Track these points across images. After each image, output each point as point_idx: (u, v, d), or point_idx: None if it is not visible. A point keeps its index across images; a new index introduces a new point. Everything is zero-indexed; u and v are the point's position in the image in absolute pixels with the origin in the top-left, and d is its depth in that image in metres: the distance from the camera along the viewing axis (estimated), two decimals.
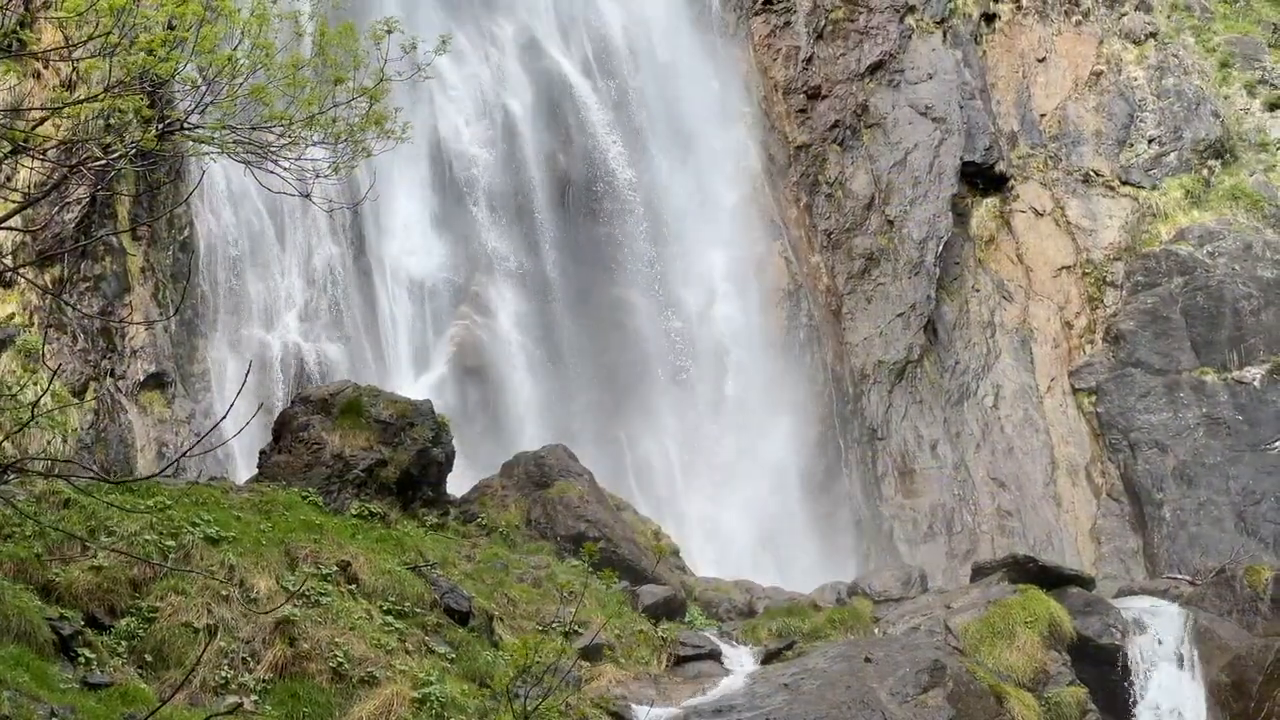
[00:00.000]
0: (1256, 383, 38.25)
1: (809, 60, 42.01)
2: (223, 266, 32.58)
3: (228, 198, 32.93)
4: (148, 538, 19.41)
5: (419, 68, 17.86)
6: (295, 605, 19.13)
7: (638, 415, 34.75)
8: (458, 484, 27.39)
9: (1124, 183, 42.84)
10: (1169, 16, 46.47)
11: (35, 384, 27.61)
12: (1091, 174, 42.86)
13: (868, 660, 21.70)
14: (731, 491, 34.51)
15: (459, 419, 29.90)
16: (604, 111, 37.48)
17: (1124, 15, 45.72)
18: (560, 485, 26.11)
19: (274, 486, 23.84)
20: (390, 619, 20.42)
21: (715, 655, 23.38)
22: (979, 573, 26.29)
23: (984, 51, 44.86)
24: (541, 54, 37.94)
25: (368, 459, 24.58)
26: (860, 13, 42.70)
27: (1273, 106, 45.63)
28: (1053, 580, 24.91)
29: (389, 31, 17.61)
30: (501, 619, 22.68)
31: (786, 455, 35.88)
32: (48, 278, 29.95)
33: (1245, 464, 37.23)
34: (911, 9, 43.38)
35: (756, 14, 42.08)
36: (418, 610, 20.88)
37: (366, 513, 24.00)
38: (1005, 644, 22.96)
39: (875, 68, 42.61)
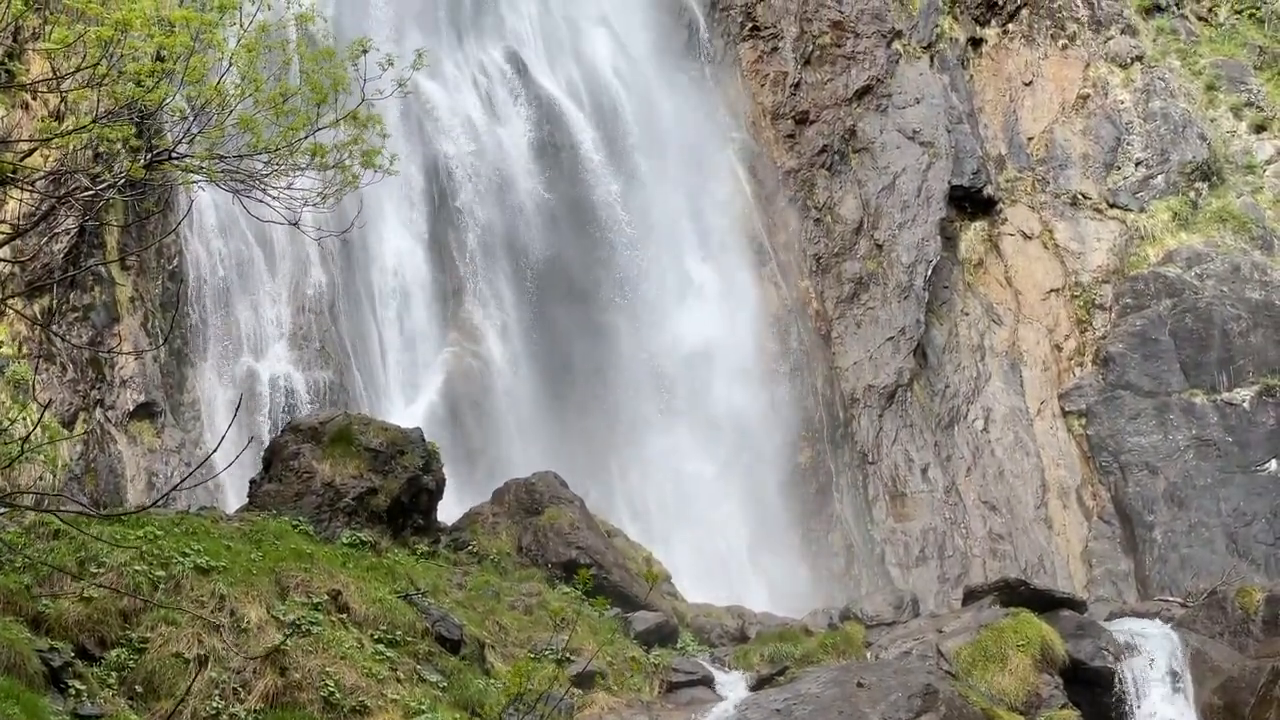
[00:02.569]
0: (1246, 404, 38.31)
1: (797, 85, 42.13)
2: (212, 295, 32.47)
3: (217, 227, 32.91)
4: (138, 568, 19.35)
5: (400, 84, 17.95)
6: (286, 635, 19.08)
7: (628, 441, 34.67)
8: (449, 512, 27.34)
9: (1112, 205, 42.95)
10: (1155, 40, 46.58)
11: (25, 415, 27.58)
12: (1079, 197, 42.96)
13: (860, 685, 21.65)
14: (722, 516, 34.46)
15: (449, 447, 29.84)
16: (592, 137, 37.53)
17: (1110, 39, 45.87)
18: (551, 512, 26.06)
19: (264, 515, 23.80)
20: (381, 648, 20.35)
21: (707, 681, 23.37)
22: (971, 596, 26.26)
23: (971, 76, 45.01)
24: (530, 80, 38.01)
25: (358, 487, 24.55)
26: (847, 38, 42.83)
27: (1259, 128, 45.74)
28: (1044, 603, 24.88)
29: (364, 51, 17.71)
30: (493, 647, 22.65)
31: (777, 480, 35.85)
32: (36, 308, 29.93)
33: (1236, 485, 37.27)
34: (898, 34, 43.53)
35: (744, 40, 42.21)
36: (409, 639, 20.82)
37: (357, 541, 23.95)
38: (997, 667, 22.93)
39: (863, 92, 42.73)
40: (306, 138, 17.23)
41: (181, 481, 24.87)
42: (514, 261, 35.47)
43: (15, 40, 28.60)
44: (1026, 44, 45.68)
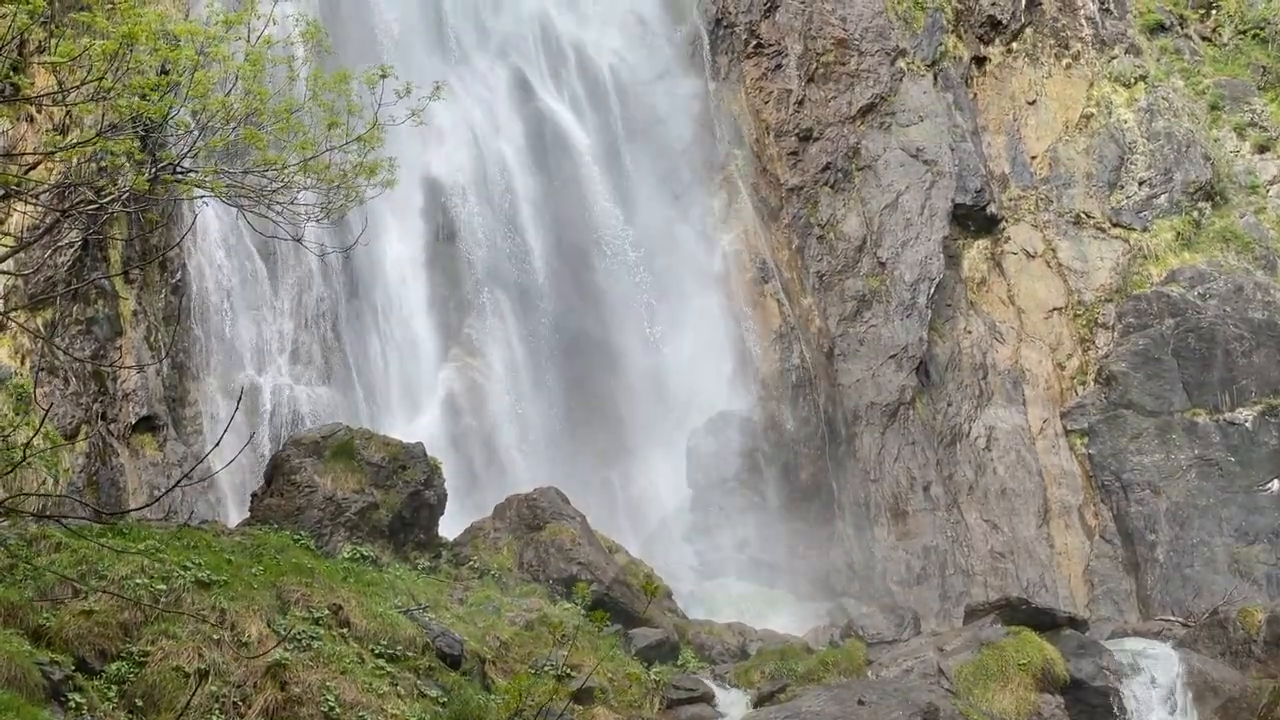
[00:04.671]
0: (1248, 424, 38.22)
1: (800, 103, 42.08)
2: (215, 309, 32.31)
3: (220, 241, 32.87)
4: (139, 581, 19.33)
5: (413, 113, 17.94)
6: (286, 649, 19.04)
7: (630, 457, 34.55)
8: (450, 526, 27.28)
9: (1115, 224, 42.83)
10: (1159, 59, 46.34)
11: (28, 425, 27.53)
12: (1082, 215, 42.86)
13: (861, 703, 21.62)
14: (725, 533, 34.31)
15: (451, 460, 29.78)
16: (595, 154, 37.50)
17: (1114, 58, 45.71)
18: (552, 527, 26.00)
19: (265, 529, 23.79)
20: (382, 663, 20.32)
21: (708, 698, 23.31)
22: (972, 615, 26.20)
23: (974, 94, 44.96)
24: (533, 96, 37.98)
25: (360, 502, 24.52)
26: (851, 55, 42.80)
27: (1263, 149, 45.52)
28: (1046, 622, 24.82)
29: (383, 76, 17.66)
30: (493, 662, 22.61)
31: (780, 497, 35.69)
32: (39, 321, 29.85)
33: (1238, 505, 37.16)
34: (902, 52, 43.50)
35: (748, 57, 42.17)
36: (409, 654, 20.77)
37: (359, 556, 23.91)
38: (998, 686, 22.88)
39: (866, 110, 42.67)
40: (314, 158, 17.26)
41: (179, 480, 24.81)
42: (516, 276, 35.38)
43: (20, 53, 28.62)
44: (1030, 63, 45.52)
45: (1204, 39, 48.34)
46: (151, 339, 31.20)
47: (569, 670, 22.38)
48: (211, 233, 32.74)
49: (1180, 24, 47.99)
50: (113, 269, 31.07)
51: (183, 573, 19.85)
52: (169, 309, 31.67)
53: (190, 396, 31.41)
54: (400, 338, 34.26)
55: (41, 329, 29.45)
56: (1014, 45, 45.60)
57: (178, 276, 31.96)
